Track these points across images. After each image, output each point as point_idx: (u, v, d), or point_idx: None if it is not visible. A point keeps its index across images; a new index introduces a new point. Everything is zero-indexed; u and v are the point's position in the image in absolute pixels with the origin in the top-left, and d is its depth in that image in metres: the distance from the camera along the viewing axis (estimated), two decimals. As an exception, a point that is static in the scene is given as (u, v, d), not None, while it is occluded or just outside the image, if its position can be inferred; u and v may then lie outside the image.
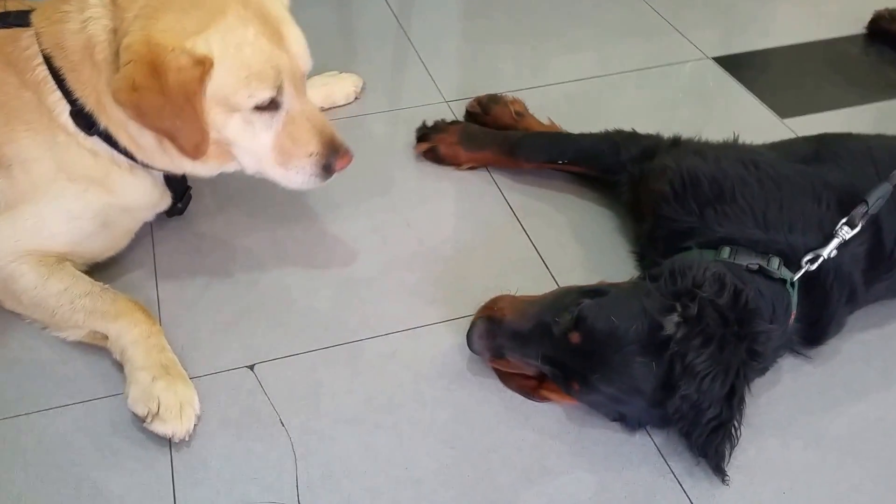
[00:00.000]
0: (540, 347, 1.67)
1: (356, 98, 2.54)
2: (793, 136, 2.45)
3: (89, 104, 1.66)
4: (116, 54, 1.54)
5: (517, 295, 1.79)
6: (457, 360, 1.86)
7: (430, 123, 2.36)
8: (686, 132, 2.15)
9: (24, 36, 1.68)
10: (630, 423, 1.73)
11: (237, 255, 2.06)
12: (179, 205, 2.01)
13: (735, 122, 2.41)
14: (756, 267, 1.71)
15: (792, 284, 1.72)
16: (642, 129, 2.19)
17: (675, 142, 2.07)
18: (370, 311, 1.95)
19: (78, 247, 1.82)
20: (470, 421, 1.75)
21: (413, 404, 1.77)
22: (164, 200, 1.93)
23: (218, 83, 1.54)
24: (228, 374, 1.80)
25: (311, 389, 1.78)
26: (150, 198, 1.87)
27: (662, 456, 1.71)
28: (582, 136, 2.24)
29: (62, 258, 1.80)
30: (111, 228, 1.85)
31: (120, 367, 1.75)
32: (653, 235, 1.94)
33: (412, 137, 2.39)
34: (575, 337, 1.62)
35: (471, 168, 2.31)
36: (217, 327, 1.89)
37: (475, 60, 2.82)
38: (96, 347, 1.79)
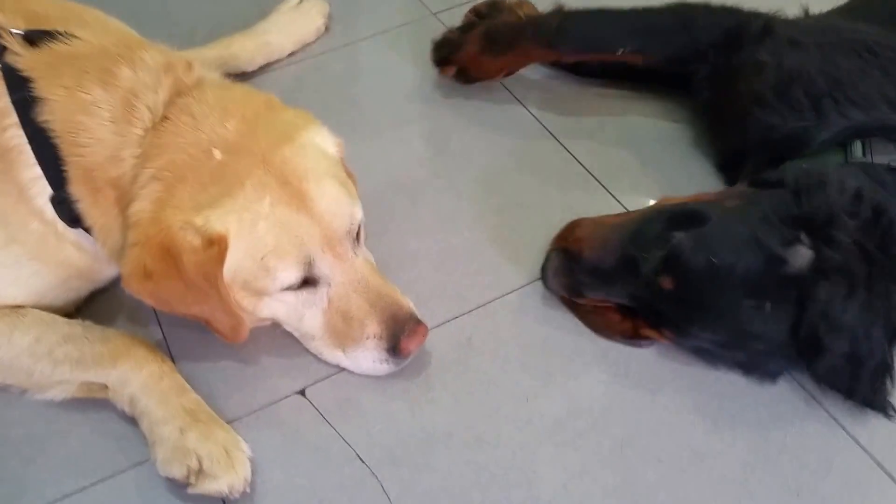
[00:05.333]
0: (626, 286, 1.41)
1: (326, 29, 2.10)
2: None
3: (90, 220, 1.35)
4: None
5: (596, 218, 1.51)
6: (551, 328, 1.54)
7: (437, 40, 1.94)
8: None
9: None
10: (751, 370, 1.44)
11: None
12: None
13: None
14: None
15: None
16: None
17: (767, 28, 1.66)
18: (425, 294, 1.57)
19: (34, 305, 1.45)
20: (587, 410, 1.43)
21: (510, 401, 1.44)
22: None
23: (234, 266, 1.29)
24: (274, 407, 1.44)
25: (382, 406, 1.44)
26: None
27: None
28: (642, 11, 1.78)
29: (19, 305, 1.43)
30: (78, 290, 1.52)
31: (131, 419, 1.38)
32: (745, 147, 1.59)
33: (408, 64, 2.02)
34: (666, 282, 1.35)
35: (507, 75, 1.91)
36: (244, 351, 1.49)
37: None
38: (95, 400, 1.41)
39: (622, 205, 1.73)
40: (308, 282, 1.33)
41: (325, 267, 1.33)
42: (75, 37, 1.35)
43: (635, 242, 1.41)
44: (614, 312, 1.49)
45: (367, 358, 1.40)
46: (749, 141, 1.58)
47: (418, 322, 1.39)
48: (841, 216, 1.32)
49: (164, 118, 1.31)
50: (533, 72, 2.00)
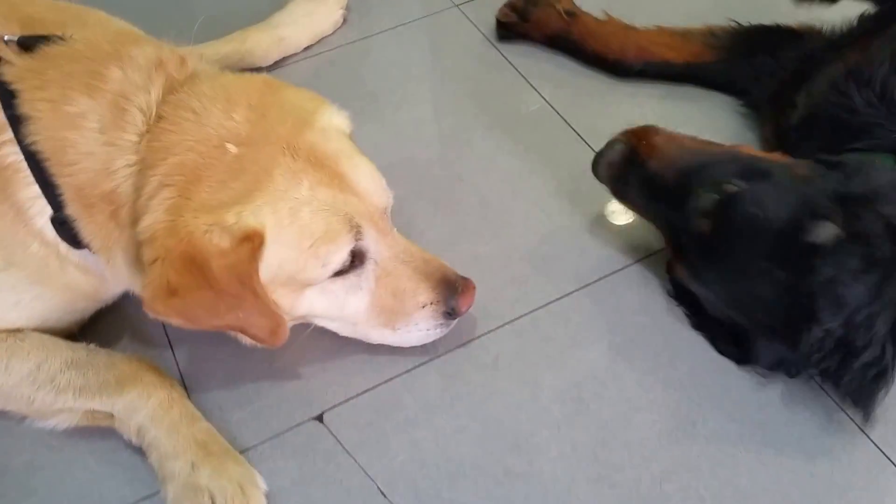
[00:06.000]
0: (669, 210, 1.39)
1: (345, 21, 2.00)
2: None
3: (90, 240, 1.25)
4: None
5: (675, 134, 1.46)
6: (583, 349, 1.45)
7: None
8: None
9: None
10: (744, 358, 1.40)
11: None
12: None
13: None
14: None
15: None
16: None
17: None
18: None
19: (36, 328, 1.37)
20: (624, 442, 1.35)
21: (542, 429, 1.35)
22: None
23: (276, 261, 1.19)
24: (290, 434, 1.35)
25: (404, 434, 1.35)
26: None
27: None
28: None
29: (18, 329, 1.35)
30: (82, 313, 1.44)
31: (139, 448, 1.30)
32: (806, 126, 1.52)
33: (429, 58, 1.93)
34: (704, 225, 1.33)
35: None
36: (258, 371, 1.41)
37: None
38: (101, 428, 1.33)
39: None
40: (354, 263, 1.27)
41: (372, 243, 1.27)
42: (69, 39, 1.25)
43: (699, 175, 1.36)
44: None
45: (422, 327, 1.35)
46: (815, 121, 1.51)
47: (466, 279, 1.37)
48: (881, 198, 1.25)
49: (160, 118, 1.20)
50: (561, 69, 1.89)
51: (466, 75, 1.90)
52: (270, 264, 1.18)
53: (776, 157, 1.43)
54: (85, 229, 1.23)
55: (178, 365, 1.43)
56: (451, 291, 1.34)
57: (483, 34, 1.99)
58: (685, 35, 1.79)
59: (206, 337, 1.43)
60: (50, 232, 1.24)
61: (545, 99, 1.84)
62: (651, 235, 1.55)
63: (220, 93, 1.23)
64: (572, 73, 1.89)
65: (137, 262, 1.22)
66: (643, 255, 1.57)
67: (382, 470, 1.31)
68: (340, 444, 1.34)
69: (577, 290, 1.52)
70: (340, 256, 1.22)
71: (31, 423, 1.34)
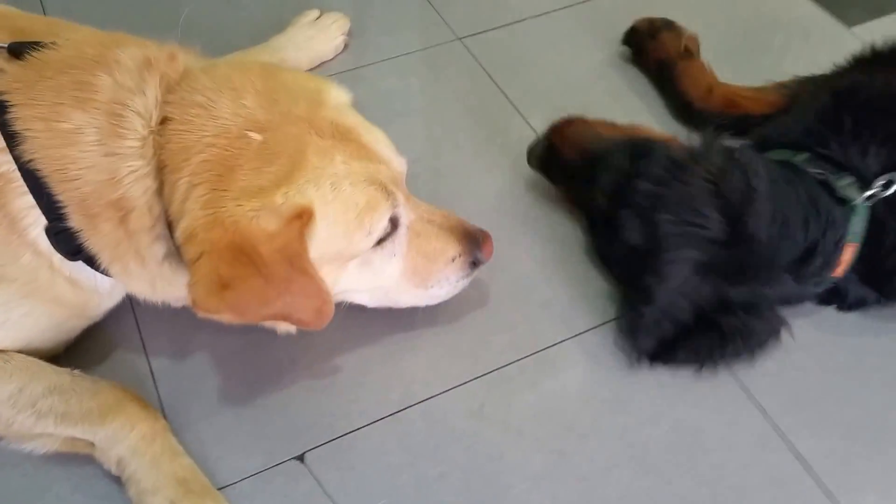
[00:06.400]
0: (580, 191, 1.62)
1: (346, 47, 1.99)
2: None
3: (96, 250, 1.23)
4: (158, 219, 1.20)
5: (591, 121, 1.66)
6: (569, 401, 1.45)
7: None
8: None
9: None
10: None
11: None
12: None
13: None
14: (823, 178, 1.46)
15: (853, 208, 1.43)
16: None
17: None
18: (436, 354, 1.49)
19: (22, 349, 1.35)
20: (602, 498, 1.35)
21: (521, 482, 1.35)
22: None
23: (325, 237, 1.20)
24: (270, 472, 1.34)
25: (386, 479, 1.34)
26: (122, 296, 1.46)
27: None
28: None
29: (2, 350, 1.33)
30: (68, 331, 1.42)
31: (114, 478, 1.29)
32: None
33: (429, 90, 1.94)
34: (603, 202, 1.53)
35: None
36: (241, 406, 1.41)
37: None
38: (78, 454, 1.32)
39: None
40: (390, 230, 1.30)
41: (401, 208, 1.31)
42: (57, 44, 1.23)
43: (601, 158, 1.53)
44: None
45: (452, 279, 1.41)
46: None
47: (483, 230, 1.44)
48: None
49: (167, 119, 1.18)
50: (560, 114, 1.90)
51: (466, 111, 1.90)
52: (319, 241, 1.19)
53: (666, 136, 1.59)
54: (90, 240, 1.21)
55: (159, 396, 1.41)
56: (475, 243, 1.40)
57: (484, 69, 1.99)
58: (765, 91, 1.84)
59: (190, 369, 1.43)
60: (43, 243, 1.22)
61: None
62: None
63: (222, 83, 1.22)
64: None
65: (157, 264, 1.23)
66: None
67: (365, 513, 1.30)
68: (321, 485, 1.33)
69: (565, 340, 1.52)
70: (383, 224, 1.26)
71: (7, 445, 1.31)
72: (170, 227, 1.19)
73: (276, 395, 1.42)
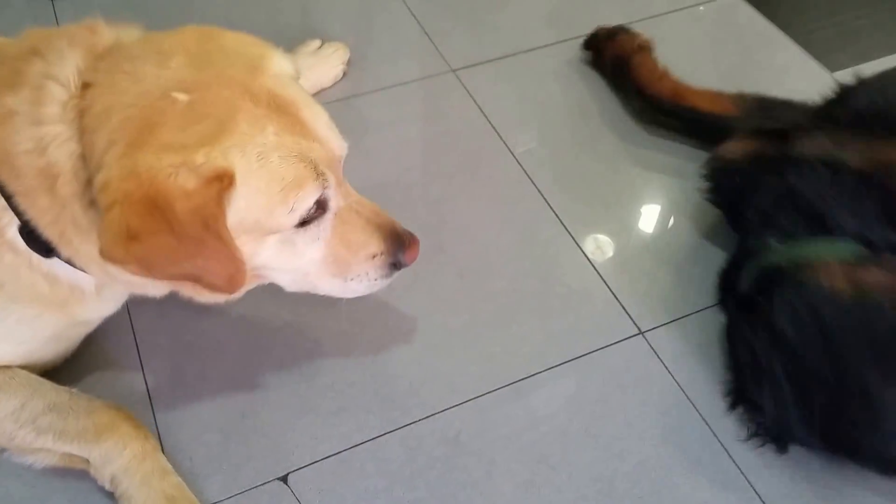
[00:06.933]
0: None
1: (344, 75, 2.07)
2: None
3: (48, 234, 1.23)
4: (87, 185, 1.16)
5: None
6: (543, 431, 1.53)
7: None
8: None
9: None
10: None
11: (239, 319, 1.63)
12: None
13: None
14: None
15: None
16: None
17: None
18: (417, 380, 1.57)
19: (24, 363, 1.42)
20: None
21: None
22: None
23: (244, 206, 1.16)
24: (254, 492, 1.42)
25: (364, 502, 1.42)
26: (118, 304, 1.48)
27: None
28: None
29: (8, 366, 1.39)
30: (66, 340, 1.47)
31: (109, 493, 1.37)
32: None
33: (421, 120, 2.03)
34: None
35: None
36: (231, 427, 1.48)
37: (475, 14, 2.35)
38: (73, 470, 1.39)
39: (613, 292, 1.71)
40: (317, 211, 1.26)
41: (332, 192, 1.27)
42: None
43: None
44: None
45: (368, 278, 1.37)
46: None
47: (411, 234, 1.40)
48: None
49: (88, 85, 1.17)
50: (544, 146, 1.98)
51: (456, 142, 1.98)
52: (238, 208, 1.16)
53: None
54: (36, 220, 1.21)
55: (154, 415, 1.49)
56: (399, 244, 1.37)
57: (475, 101, 2.06)
58: (719, 93, 1.95)
59: (184, 390, 1.50)
60: (20, 243, 1.25)
61: (528, 175, 1.92)
62: (617, 320, 1.65)
63: (150, 47, 1.20)
64: (555, 151, 1.99)
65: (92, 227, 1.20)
66: (608, 343, 1.65)
67: (345, 537, 1.37)
68: (303, 506, 1.41)
69: (540, 373, 1.60)
70: (308, 204, 1.22)
71: (10, 457, 1.39)
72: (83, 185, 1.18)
73: (263, 417, 1.49)
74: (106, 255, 1.12)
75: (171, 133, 1.11)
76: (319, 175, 1.21)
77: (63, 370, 1.48)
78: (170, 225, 1.10)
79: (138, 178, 1.09)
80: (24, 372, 1.39)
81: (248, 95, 1.17)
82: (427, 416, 1.52)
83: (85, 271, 1.29)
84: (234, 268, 1.18)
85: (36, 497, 1.38)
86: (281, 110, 1.19)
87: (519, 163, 1.94)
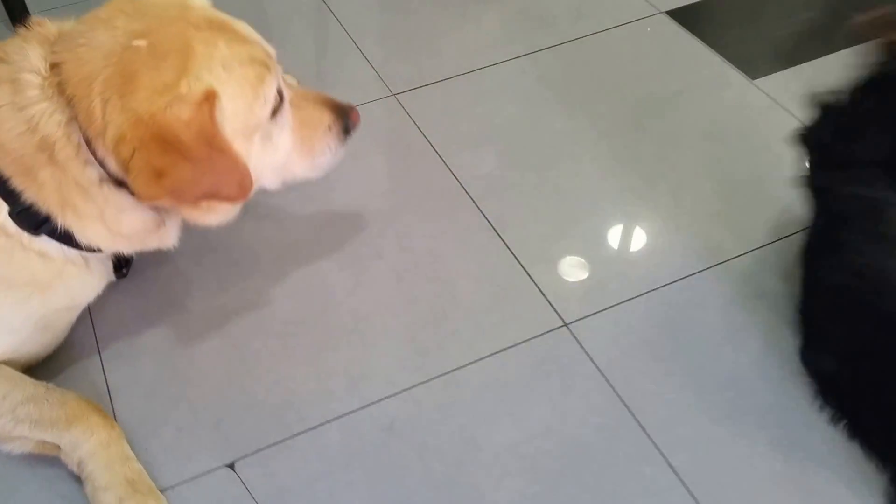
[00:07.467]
0: None
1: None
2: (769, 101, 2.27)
3: (48, 206, 1.39)
4: (78, 147, 1.35)
5: None
6: (468, 419, 1.64)
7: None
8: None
9: None
10: None
11: (191, 320, 1.79)
12: (124, 270, 1.74)
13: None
14: None
15: None
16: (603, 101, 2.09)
17: None
18: (355, 372, 1.71)
19: (13, 356, 1.56)
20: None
21: (426, 490, 1.55)
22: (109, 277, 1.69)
23: (231, 113, 1.36)
24: (205, 478, 1.55)
25: (306, 488, 1.55)
26: (101, 287, 1.64)
27: None
28: None
29: None
30: (52, 329, 1.61)
31: (78, 479, 1.50)
32: None
33: (362, 145, 2.11)
34: None
35: None
36: (183, 418, 1.62)
37: (415, 38, 2.53)
38: (46, 457, 1.54)
39: (539, 288, 1.85)
40: (279, 100, 1.47)
41: (281, 81, 1.48)
42: None
43: None
44: None
45: (331, 148, 1.61)
46: None
47: (348, 102, 1.65)
48: None
49: (56, 65, 1.33)
50: (482, 162, 2.13)
51: (396, 161, 2.13)
52: (227, 117, 1.35)
53: None
54: (39, 197, 1.37)
55: (114, 409, 1.63)
56: (344, 112, 1.62)
57: (416, 125, 2.22)
58: None
59: (141, 385, 1.65)
60: (11, 225, 1.40)
61: (463, 187, 2.07)
62: (543, 314, 1.79)
63: (92, 22, 1.37)
64: (493, 166, 2.14)
65: (98, 189, 1.38)
66: (534, 335, 1.77)
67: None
68: (249, 492, 1.53)
69: (470, 364, 1.72)
70: (273, 92, 1.43)
71: (-14, 445, 1.53)
72: (93, 152, 1.34)
73: (213, 408, 1.63)
74: (144, 196, 1.32)
75: (150, 76, 1.29)
76: (271, 68, 1.42)
77: (36, 372, 1.61)
78: (182, 153, 1.29)
79: (144, 123, 1.27)
80: (6, 367, 1.53)
81: (191, 25, 1.36)
82: (364, 406, 1.66)
83: (83, 235, 1.44)
84: (241, 173, 1.38)
85: (7, 489, 1.51)
86: (220, 28, 1.39)
87: (455, 177, 2.09)
